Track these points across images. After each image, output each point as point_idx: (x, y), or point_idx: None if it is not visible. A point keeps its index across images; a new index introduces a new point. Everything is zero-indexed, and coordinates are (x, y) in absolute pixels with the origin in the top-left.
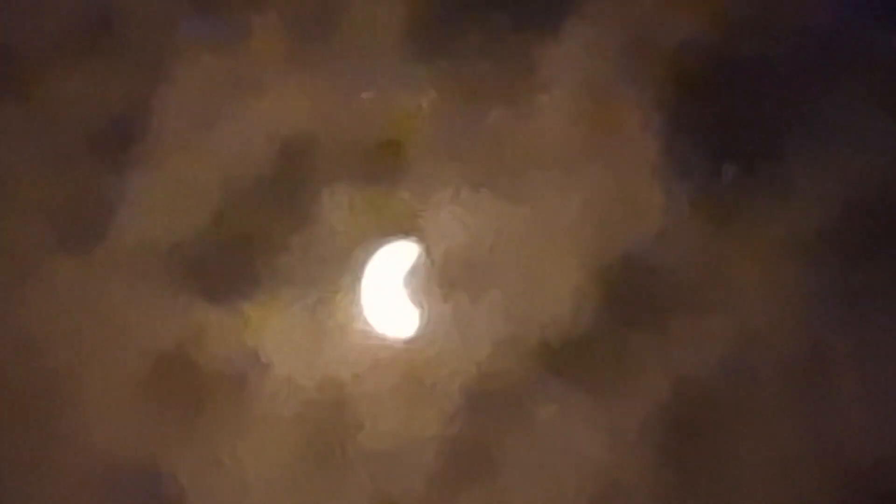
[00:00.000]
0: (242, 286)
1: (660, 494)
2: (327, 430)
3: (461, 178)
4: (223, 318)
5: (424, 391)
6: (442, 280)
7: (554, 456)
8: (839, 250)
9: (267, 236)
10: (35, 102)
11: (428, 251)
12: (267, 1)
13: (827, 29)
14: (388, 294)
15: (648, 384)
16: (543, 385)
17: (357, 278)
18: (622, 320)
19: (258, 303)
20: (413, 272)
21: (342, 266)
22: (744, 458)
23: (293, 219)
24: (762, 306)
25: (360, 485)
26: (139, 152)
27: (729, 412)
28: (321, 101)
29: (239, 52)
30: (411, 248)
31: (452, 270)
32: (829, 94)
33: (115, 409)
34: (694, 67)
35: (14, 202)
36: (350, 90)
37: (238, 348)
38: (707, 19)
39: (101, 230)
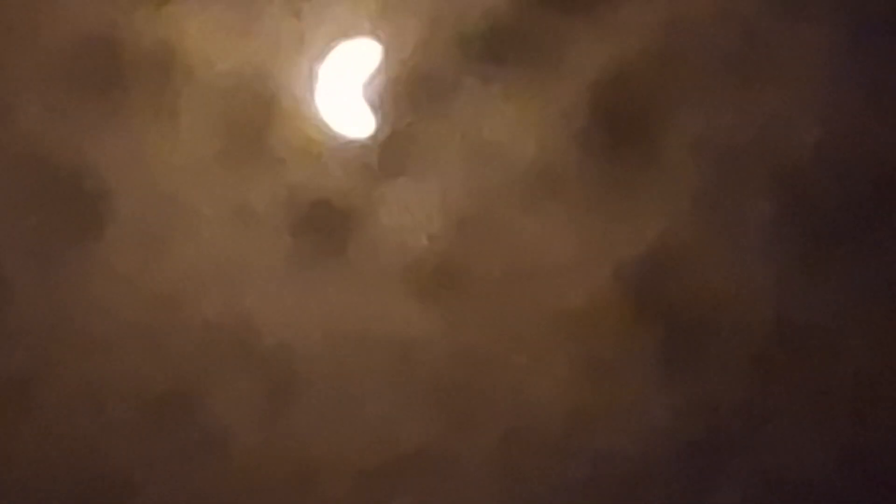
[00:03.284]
0: None
1: (589, 182)
2: (250, 122)
3: None
4: (144, 7)
5: (350, 78)
6: None
7: (483, 143)
8: None
9: None
10: None
11: None
12: None
13: None
14: None
15: (577, 71)
16: (471, 74)
17: None
18: (551, 8)
19: None
20: None
21: None
22: (677, 143)
23: None
24: None
25: (279, 179)
26: None
27: (660, 100)
28: None
29: None
30: None
31: None
32: None
33: (39, 95)
34: None
35: None
36: None
37: (162, 36)
38: None
39: None
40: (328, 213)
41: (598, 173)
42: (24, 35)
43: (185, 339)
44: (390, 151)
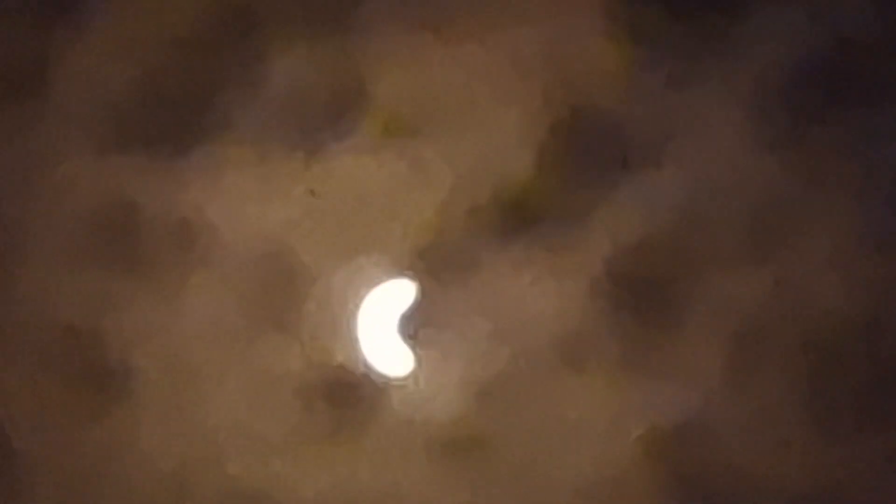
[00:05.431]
0: (185, 146)
1: (617, 343)
2: (270, 293)
3: (409, 25)
4: (164, 178)
5: (370, 249)
6: (388, 132)
7: (508, 311)
8: (793, 103)
9: (210, 92)
10: None
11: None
12: None
13: None
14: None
15: (599, 238)
16: (491, 241)
17: (302, 135)
18: (574, 175)
19: (201, 163)
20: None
21: (289, 123)
22: (702, 310)
23: (237, 75)
24: (720, 158)
25: (302, 347)
26: (77, 8)
27: (684, 266)
28: None
29: None
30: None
31: (398, 121)
32: None
33: (59, 274)
34: None
35: None
36: None
37: (180, 208)
38: None
39: (37, 86)
40: (349, 384)
41: (622, 341)
42: (44, 209)
43: None
44: (413, 322)
